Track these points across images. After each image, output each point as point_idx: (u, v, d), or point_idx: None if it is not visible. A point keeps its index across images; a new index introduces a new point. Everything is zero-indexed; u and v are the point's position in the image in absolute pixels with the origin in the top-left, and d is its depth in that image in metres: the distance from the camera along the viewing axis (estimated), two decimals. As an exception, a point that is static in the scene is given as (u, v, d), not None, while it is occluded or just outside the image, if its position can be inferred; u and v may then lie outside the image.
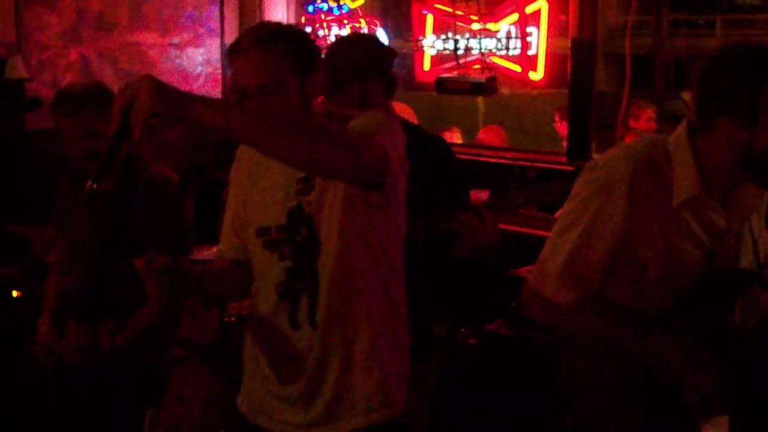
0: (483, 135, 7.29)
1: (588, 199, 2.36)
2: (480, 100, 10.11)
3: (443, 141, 3.64)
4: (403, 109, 4.49)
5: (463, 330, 4.40)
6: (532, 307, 2.54)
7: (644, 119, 6.14)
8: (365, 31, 6.51)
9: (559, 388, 2.70)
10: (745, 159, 2.23)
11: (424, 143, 3.15)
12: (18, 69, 5.71)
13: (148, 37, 6.55)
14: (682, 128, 2.36)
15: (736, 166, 2.27)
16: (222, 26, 6.98)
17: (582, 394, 2.56)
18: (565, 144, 6.94)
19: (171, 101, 1.91)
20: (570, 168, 5.13)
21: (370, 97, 3.13)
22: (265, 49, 2.31)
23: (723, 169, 2.29)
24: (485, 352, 4.28)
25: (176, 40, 6.71)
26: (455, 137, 7.05)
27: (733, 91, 2.18)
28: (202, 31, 6.86)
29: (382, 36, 6.58)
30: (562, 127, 7.21)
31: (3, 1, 5.74)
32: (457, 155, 3.57)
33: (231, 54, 2.35)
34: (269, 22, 2.46)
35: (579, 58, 5.40)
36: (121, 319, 3.32)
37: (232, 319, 4.33)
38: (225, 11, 6.98)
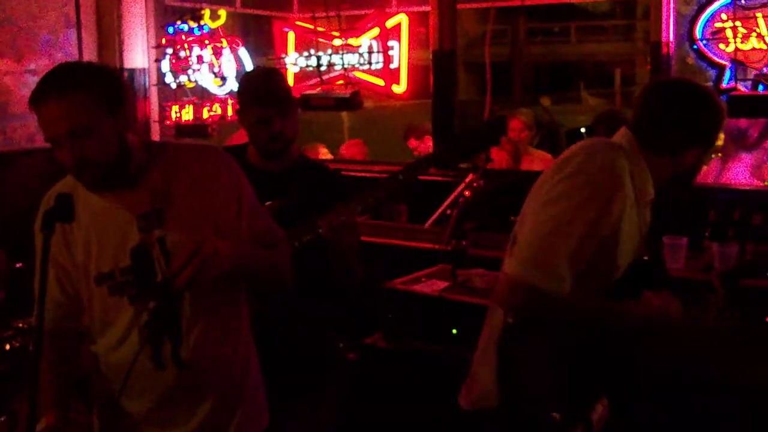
0: (345, 150, 7.36)
1: (590, 199, 2.45)
2: (344, 114, 10.18)
3: (335, 173, 3.59)
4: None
5: (341, 345, 4.43)
6: (534, 304, 2.44)
7: (517, 131, 6.18)
8: (227, 50, 6.47)
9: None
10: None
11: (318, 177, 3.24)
12: None
13: (3, 64, 6.35)
14: (628, 140, 2.64)
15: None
16: (80, 51, 6.81)
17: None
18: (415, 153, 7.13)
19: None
20: (438, 178, 5.22)
21: (286, 131, 3.13)
22: (71, 97, 2.21)
23: (664, 178, 2.66)
24: (365, 367, 4.31)
25: (33, 66, 6.52)
26: (321, 154, 7.08)
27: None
28: (59, 56, 6.67)
29: (245, 55, 6.56)
30: (413, 143, 7.40)
31: None
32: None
33: (34, 104, 2.24)
34: (70, 65, 2.34)
35: (441, 70, 5.52)
36: None
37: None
38: (83, 35, 6.82)
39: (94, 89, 2.25)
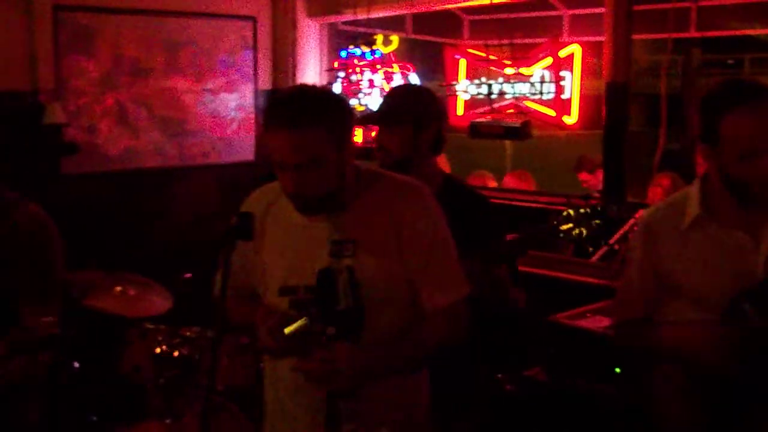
0: (510, 180, 7.24)
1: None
2: (507, 142, 10.08)
3: (485, 200, 3.53)
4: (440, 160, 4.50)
5: (499, 376, 4.36)
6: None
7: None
8: (398, 75, 6.53)
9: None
10: (725, 182, 2.46)
11: (465, 203, 3.18)
12: (56, 114, 5.77)
13: (182, 83, 6.61)
14: None
15: (725, 189, 2.47)
16: (256, 72, 7.02)
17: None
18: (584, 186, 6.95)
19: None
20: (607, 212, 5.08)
21: (419, 145, 3.14)
22: (303, 131, 2.24)
23: (721, 193, 2.49)
24: (523, 399, 4.23)
25: (210, 85, 6.76)
26: (488, 181, 7.02)
27: (700, 120, 2.47)
28: (235, 76, 6.91)
29: (415, 80, 6.60)
30: (584, 176, 7.22)
31: (43, 49, 5.83)
32: (490, 199, 3.51)
33: (268, 129, 2.29)
34: (307, 93, 2.35)
35: (614, 102, 5.38)
36: None
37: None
38: (258, 57, 7.04)
39: (327, 125, 2.27)
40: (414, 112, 3.15)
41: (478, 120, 5.82)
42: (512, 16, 6.85)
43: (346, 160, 2.35)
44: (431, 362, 2.55)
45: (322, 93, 2.39)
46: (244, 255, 2.46)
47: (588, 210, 3.08)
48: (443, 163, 4.50)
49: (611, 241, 4.86)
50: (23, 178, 3.23)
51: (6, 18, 5.73)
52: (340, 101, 2.41)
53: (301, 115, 2.25)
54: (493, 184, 7.07)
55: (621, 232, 4.87)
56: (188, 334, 4.28)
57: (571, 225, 3.13)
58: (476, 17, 8.42)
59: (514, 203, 5.83)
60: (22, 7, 5.78)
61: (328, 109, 2.30)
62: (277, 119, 2.26)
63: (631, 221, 4.81)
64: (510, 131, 5.54)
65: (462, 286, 2.49)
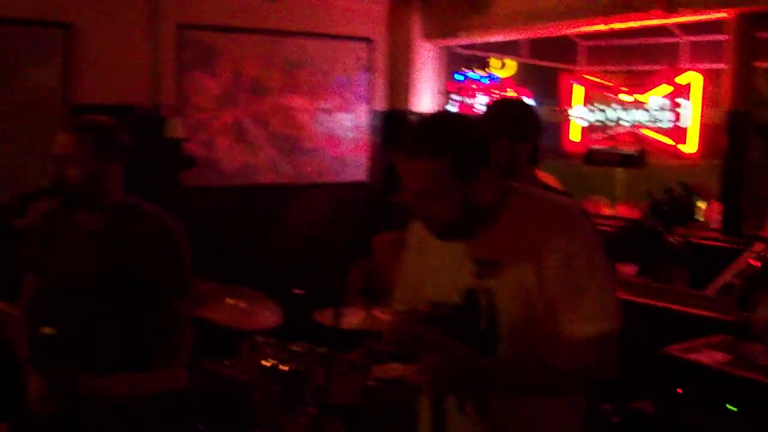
0: (622, 209, 7.10)
1: None
2: (620, 170, 9.94)
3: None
4: (548, 179, 4.46)
5: (607, 407, 4.29)
6: None
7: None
8: (514, 100, 6.52)
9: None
10: None
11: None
12: (177, 129, 5.95)
13: (299, 102, 6.72)
14: None
15: None
16: (371, 92, 7.10)
17: None
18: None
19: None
20: (724, 244, 4.97)
21: (515, 158, 3.13)
22: (429, 161, 2.22)
23: None
24: (630, 431, 4.15)
25: (326, 105, 6.86)
26: (602, 208, 6.92)
27: None
28: (351, 96, 7.00)
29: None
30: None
31: (166, 66, 6.01)
32: (601, 226, 3.46)
33: (396, 152, 2.29)
34: (441, 122, 2.33)
35: (735, 131, 5.25)
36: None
37: (374, 382, 4.34)
38: (374, 78, 7.11)
39: (451, 156, 2.24)
40: (510, 123, 3.16)
41: (594, 147, 5.77)
42: (629, 42, 6.78)
43: (474, 189, 2.30)
44: (569, 394, 2.48)
45: (461, 122, 2.35)
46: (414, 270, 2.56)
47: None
48: (551, 181, 4.45)
49: (728, 274, 4.75)
50: (146, 190, 3.34)
51: (132, 36, 5.94)
52: (477, 133, 2.33)
53: (421, 145, 2.24)
54: (607, 211, 6.97)
55: (738, 264, 4.76)
56: (297, 349, 4.33)
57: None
58: (593, 43, 8.34)
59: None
60: (148, 25, 5.98)
61: (457, 140, 2.26)
62: (401, 144, 2.28)
63: (748, 253, 4.69)
64: (627, 159, 5.49)
65: (613, 320, 2.30)
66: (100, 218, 3.13)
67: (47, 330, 3.04)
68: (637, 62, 6.66)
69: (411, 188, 2.29)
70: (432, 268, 2.47)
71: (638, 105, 6.13)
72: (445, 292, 2.39)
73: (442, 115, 2.39)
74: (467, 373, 2.23)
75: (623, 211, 7.02)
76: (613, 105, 6.19)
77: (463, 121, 2.38)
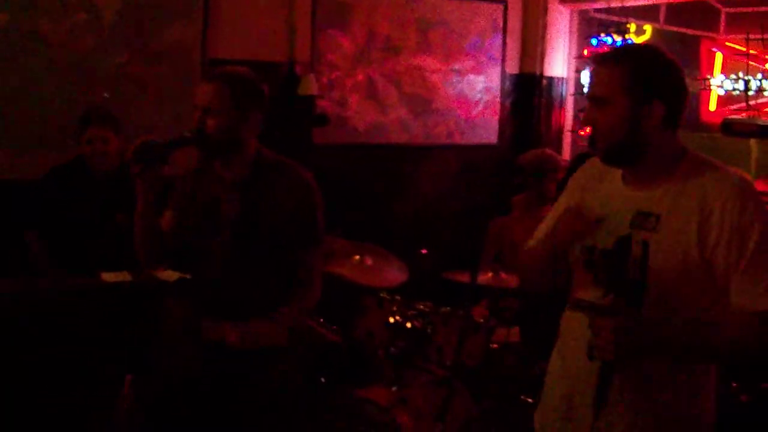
0: (759, 184, 6.85)
1: None
2: (753, 144, 9.59)
3: None
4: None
5: (734, 385, 4.20)
6: None
7: None
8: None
9: None
10: None
11: None
12: (310, 86, 6.02)
13: (431, 62, 6.71)
14: None
15: None
16: (504, 55, 7.05)
17: None
18: None
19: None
20: None
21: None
22: (605, 67, 2.39)
23: None
24: (760, 411, 4.05)
25: (458, 66, 6.84)
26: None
27: None
28: (483, 59, 6.96)
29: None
30: None
31: (302, 25, 6.07)
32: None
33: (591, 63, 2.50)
34: (635, 46, 2.48)
35: None
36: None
37: (496, 345, 4.36)
38: (508, 40, 7.05)
39: (626, 69, 2.34)
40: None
41: (731, 117, 5.59)
42: (775, 8, 6.50)
43: (640, 116, 2.34)
44: (725, 366, 2.45)
45: (649, 47, 2.57)
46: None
47: None
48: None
49: None
50: (280, 146, 3.41)
51: (269, -8, 6.02)
52: (657, 58, 2.39)
53: (610, 53, 2.48)
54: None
55: None
56: (422, 307, 4.39)
57: None
58: (735, 9, 8.04)
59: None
60: (284, -18, 6.05)
61: (637, 56, 2.40)
62: (596, 55, 2.49)
63: None
64: (766, 130, 5.28)
65: None
66: (240, 169, 3.22)
67: (174, 275, 3.15)
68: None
69: (588, 93, 2.42)
70: (592, 212, 2.49)
71: (783, 75, 5.90)
72: (601, 238, 2.42)
73: (653, 47, 2.48)
74: (646, 337, 2.25)
75: (760, 186, 6.80)
76: (756, 74, 5.96)
77: (663, 58, 2.40)
